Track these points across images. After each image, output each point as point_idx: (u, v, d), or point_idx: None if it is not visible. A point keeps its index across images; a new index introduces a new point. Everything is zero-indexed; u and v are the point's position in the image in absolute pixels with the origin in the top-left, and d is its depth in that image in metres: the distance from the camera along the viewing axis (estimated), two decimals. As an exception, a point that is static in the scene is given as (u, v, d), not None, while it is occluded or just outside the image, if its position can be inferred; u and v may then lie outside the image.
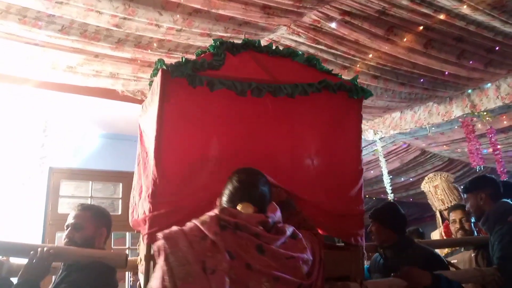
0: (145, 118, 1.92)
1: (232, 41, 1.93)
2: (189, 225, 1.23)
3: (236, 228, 1.19)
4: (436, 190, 3.85)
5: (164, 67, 1.61)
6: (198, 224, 1.20)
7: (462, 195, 3.39)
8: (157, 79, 1.66)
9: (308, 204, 1.73)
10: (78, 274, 1.81)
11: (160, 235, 1.19)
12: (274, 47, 2.01)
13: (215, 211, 1.24)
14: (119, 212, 4.83)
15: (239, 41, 3.15)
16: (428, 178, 4.15)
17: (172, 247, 1.13)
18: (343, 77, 2.09)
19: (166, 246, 1.14)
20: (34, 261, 1.68)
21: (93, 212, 2.09)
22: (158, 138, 1.59)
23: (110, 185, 5.20)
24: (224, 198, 1.39)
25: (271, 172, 1.62)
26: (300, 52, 2.05)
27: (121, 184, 5.05)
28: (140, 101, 4.17)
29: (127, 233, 4.87)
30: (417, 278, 1.84)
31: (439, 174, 4.15)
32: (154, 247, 1.19)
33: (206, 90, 1.66)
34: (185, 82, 1.62)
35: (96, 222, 2.07)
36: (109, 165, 4.93)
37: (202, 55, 1.84)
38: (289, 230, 1.27)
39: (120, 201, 4.93)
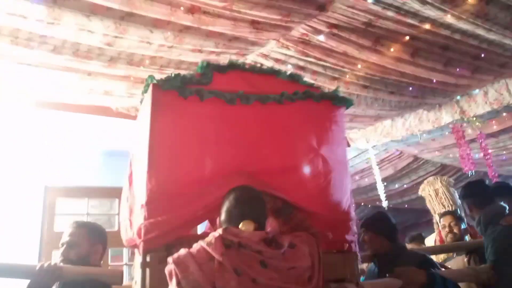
0: (137, 134, 1.96)
1: (218, 62, 2.02)
2: (196, 247, 1.30)
3: (239, 246, 1.26)
4: (437, 194, 3.89)
5: (155, 81, 1.69)
6: (205, 246, 1.27)
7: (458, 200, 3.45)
8: (148, 94, 1.73)
9: (300, 210, 1.77)
10: None
11: (170, 260, 1.26)
12: (258, 67, 2.13)
13: (219, 232, 1.30)
14: (116, 228, 4.82)
15: (231, 56, 3.23)
16: (428, 182, 4.19)
17: (183, 271, 1.21)
18: (332, 88, 2.19)
19: (177, 271, 1.21)
20: (39, 275, 1.72)
21: (88, 229, 2.10)
22: (151, 149, 1.64)
23: (107, 202, 5.20)
24: (224, 217, 1.44)
25: (264, 179, 1.69)
26: (283, 71, 2.15)
27: (117, 200, 5.03)
28: (134, 117, 4.20)
29: (124, 249, 4.85)
30: (412, 277, 1.86)
31: (438, 177, 4.19)
32: (166, 271, 1.26)
33: (196, 101, 1.74)
34: (176, 94, 1.70)
35: (91, 239, 2.07)
36: (105, 181, 4.93)
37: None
38: (287, 241, 1.35)
39: (117, 217, 4.91)
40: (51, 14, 2.55)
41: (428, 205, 4.10)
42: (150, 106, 1.68)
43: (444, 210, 3.78)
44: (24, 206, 4.38)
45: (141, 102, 1.94)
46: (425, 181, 4.23)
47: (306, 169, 1.88)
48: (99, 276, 1.89)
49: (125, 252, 4.84)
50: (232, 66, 1.91)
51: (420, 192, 4.34)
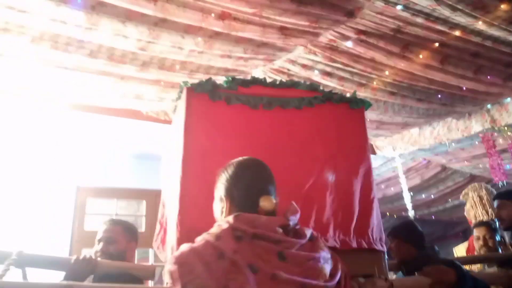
0: (171, 140, 2.06)
1: (242, 78, 2.18)
2: (201, 242, 1.09)
3: (253, 237, 1.08)
4: (481, 200, 3.84)
5: (189, 85, 1.85)
6: (211, 241, 1.08)
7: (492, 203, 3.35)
8: (182, 98, 1.88)
9: (320, 215, 1.80)
10: (107, 281, 1.89)
11: (172, 259, 1.07)
12: (278, 82, 2.17)
13: (229, 220, 1.12)
14: (143, 229, 4.92)
15: (258, 62, 3.32)
16: (472, 187, 4.16)
17: (188, 274, 1.01)
18: (359, 94, 2.22)
19: (182, 274, 1.02)
20: (75, 267, 1.81)
21: (124, 227, 2.20)
22: (186, 150, 1.75)
23: (134, 203, 5.33)
24: (237, 193, 1.22)
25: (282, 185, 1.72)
26: (302, 82, 2.23)
27: (144, 202, 5.16)
28: (163, 121, 4.33)
29: (150, 250, 4.95)
30: (441, 275, 1.82)
31: (483, 184, 4.14)
32: (168, 272, 1.06)
33: (223, 105, 1.88)
34: (207, 97, 1.85)
35: (127, 237, 2.17)
36: (133, 183, 5.08)
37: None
38: (308, 232, 1.19)
39: (144, 218, 5.03)
40: (89, 20, 2.68)
41: (469, 211, 4.03)
42: (185, 108, 1.82)
43: (481, 219, 3.70)
44: (57, 205, 4.55)
45: (174, 110, 2.07)
46: (469, 186, 4.19)
47: (324, 176, 1.91)
48: (132, 271, 1.96)
49: (151, 252, 4.94)
50: (255, 81, 2.04)
51: (461, 197, 4.28)
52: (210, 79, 1.92)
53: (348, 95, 2.18)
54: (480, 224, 3.28)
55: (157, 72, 3.45)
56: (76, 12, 2.62)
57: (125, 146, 5.18)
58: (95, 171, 4.97)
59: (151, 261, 4.92)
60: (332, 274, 1.14)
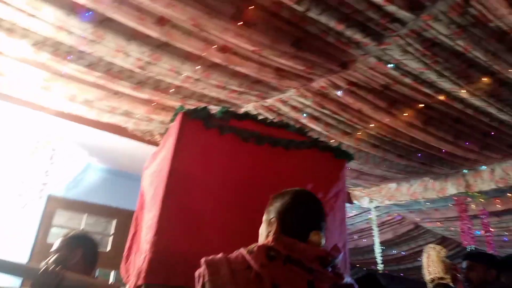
0: (157, 161, 2.07)
1: (235, 111, 2.26)
2: (235, 253, 1.14)
3: (287, 260, 1.08)
4: (428, 260, 3.93)
5: (184, 110, 1.90)
6: (244, 254, 1.11)
7: (449, 263, 3.43)
8: (176, 122, 1.92)
9: None
10: None
11: (202, 260, 1.12)
12: (269, 121, 2.26)
13: (268, 240, 1.14)
14: (107, 249, 4.79)
15: (251, 97, 3.40)
16: (426, 247, 4.26)
17: (212, 274, 1.06)
18: (343, 142, 2.35)
19: (206, 273, 1.07)
20: (42, 278, 1.75)
21: (70, 236, 2.12)
22: (171, 172, 1.76)
23: (103, 221, 5.21)
24: (290, 220, 1.22)
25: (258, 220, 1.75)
26: (291, 124, 2.37)
27: (115, 221, 5.06)
28: (147, 141, 4.33)
29: (112, 272, 4.79)
30: None
31: (433, 245, 4.25)
32: (196, 274, 1.12)
33: (216, 134, 1.94)
34: (200, 124, 1.90)
35: (68, 245, 2.07)
36: (106, 200, 4.99)
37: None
38: (347, 278, 1.15)
39: (111, 238, 4.90)
40: (95, 33, 2.73)
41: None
42: (177, 132, 1.85)
43: (429, 276, 3.81)
44: (25, 212, 4.40)
45: (165, 133, 2.14)
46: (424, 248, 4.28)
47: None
48: (94, 287, 1.90)
49: (113, 274, 4.78)
50: (247, 116, 2.13)
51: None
52: (206, 107, 1.97)
53: (332, 141, 2.30)
54: (439, 286, 3.33)
55: (151, 93, 3.49)
56: (83, 24, 2.67)
57: (104, 160, 5.12)
58: (69, 182, 4.87)
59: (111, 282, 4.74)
60: None
